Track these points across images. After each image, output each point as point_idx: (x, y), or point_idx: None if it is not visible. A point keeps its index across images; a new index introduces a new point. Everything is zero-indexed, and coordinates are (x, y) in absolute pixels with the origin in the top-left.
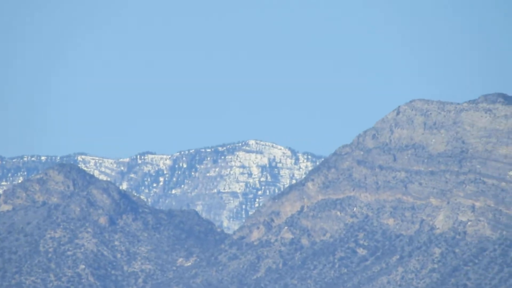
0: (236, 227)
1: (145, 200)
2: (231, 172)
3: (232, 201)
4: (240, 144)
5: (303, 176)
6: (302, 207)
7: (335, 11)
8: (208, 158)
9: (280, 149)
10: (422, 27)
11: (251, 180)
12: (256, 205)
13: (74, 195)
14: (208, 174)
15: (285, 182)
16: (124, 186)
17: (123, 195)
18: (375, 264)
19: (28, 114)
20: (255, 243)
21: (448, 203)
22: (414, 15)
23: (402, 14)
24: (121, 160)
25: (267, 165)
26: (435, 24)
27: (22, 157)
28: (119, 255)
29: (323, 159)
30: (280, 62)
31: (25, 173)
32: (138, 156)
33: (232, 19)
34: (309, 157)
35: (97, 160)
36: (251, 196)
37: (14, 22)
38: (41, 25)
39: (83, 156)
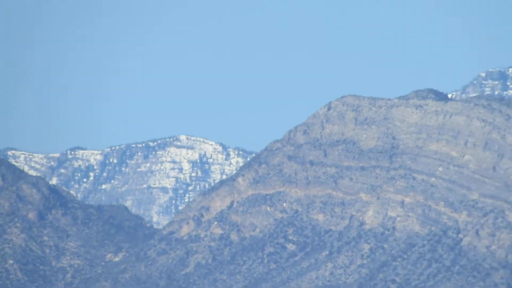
0: (166, 222)
1: (75, 195)
2: (162, 167)
3: (162, 196)
4: (171, 140)
5: (234, 172)
6: (232, 203)
7: (262, 9)
8: (139, 154)
9: (211, 144)
10: (351, 22)
11: (181, 176)
12: (187, 200)
13: (3, 190)
14: (138, 169)
15: (215, 177)
16: (54, 181)
17: (53, 190)
18: (304, 259)
19: None
20: (185, 238)
21: (378, 198)
22: (342, 10)
23: (331, 8)
24: (51, 155)
25: (198, 161)
26: (365, 20)
27: None
28: (47, 250)
29: (254, 155)
30: (209, 58)
31: None
32: (69, 152)
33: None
34: (240, 152)
35: (27, 155)
36: (181, 191)
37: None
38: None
39: (13, 151)
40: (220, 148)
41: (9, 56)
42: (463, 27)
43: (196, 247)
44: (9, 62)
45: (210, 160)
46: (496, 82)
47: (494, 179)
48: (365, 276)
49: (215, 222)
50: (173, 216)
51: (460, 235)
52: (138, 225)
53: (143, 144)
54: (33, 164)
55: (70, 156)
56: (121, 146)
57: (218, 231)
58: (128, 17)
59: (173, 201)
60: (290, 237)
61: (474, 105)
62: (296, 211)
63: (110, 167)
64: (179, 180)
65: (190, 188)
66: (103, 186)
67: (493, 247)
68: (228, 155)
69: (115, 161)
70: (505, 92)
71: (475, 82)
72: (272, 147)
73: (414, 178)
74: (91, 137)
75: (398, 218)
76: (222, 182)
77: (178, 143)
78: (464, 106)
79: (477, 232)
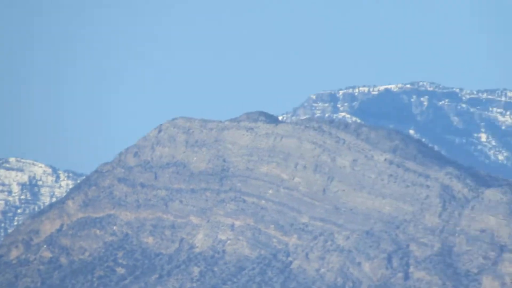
0: None
1: None
2: None
3: None
4: (0, 162)
5: (64, 194)
6: (62, 226)
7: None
8: None
9: (41, 167)
10: (176, 46)
11: (10, 198)
12: (16, 223)
13: None
14: None
15: (45, 200)
16: None
17: None
18: (134, 283)
19: None
20: (14, 262)
21: (208, 221)
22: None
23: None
24: None
25: (28, 183)
26: (195, 45)
27: None
28: None
29: (84, 177)
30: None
31: None
32: None
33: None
34: (70, 175)
35: None
36: (10, 214)
37: None
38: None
39: None
40: (50, 171)
41: None
42: (291, 50)
43: (25, 271)
44: None
45: (40, 183)
46: (327, 105)
47: (324, 201)
48: None
49: (44, 246)
50: (1, 239)
51: (290, 258)
52: None
53: None
54: None
55: None
56: None
57: (47, 254)
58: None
59: (2, 224)
60: (120, 261)
61: (304, 128)
62: (126, 234)
63: None
64: (8, 203)
65: (19, 211)
66: None
67: (323, 270)
68: (58, 177)
69: None
70: (335, 115)
71: (305, 104)
72: (102, 169)
73: (244, 201)
74: None
75: (228, 241)
76: (51, 205)
77: (7, 165)
78: (295, 128)
79: (306, 255)
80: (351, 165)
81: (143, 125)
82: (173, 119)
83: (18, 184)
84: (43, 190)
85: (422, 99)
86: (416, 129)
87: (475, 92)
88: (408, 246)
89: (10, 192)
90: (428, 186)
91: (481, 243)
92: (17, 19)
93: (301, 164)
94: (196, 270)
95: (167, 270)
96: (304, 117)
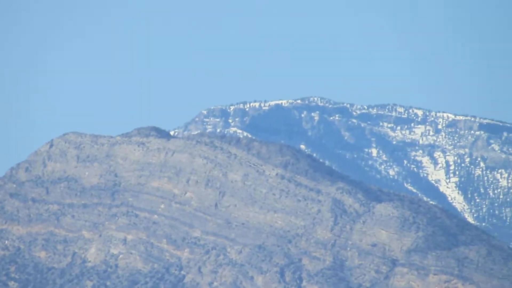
0: None
1: None
2: None
3: None
4: None
5: None
6: None
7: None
8: None
9: None
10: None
11: None
12: None
13: None
14: None
15: None
16: None
17: None
18: None
19: None
20: None
21: (100, 236)
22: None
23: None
24: None
25: None
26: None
27: None
28: None
29: None
30: None
31: None
32: None
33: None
34: None
35: None
36: None
37: None
38: None
39: None
40: None
41: None
42: (183, 65)
43: None
44: None
45: None
46: (218, 120)
47: (216, 216)
48: None
49: None
50: None
51: (183, 272)
52: None
53: None
54: None
55: None
56: None
57: None
58: None
59: None
60: (12, 275)
61: (196, 143)
62: (19, 248)
63: None
64: None
65: None
66: None
67: (215, 283)
68: None
69: None
70: (226, 130)
71: (197, 119)
72: None
73: (136, 216)
74: None
75: (121, 256)
76: None
77: None
78: (186, 143)
79: (199, 269)
80: (242, 179)
81: (34, 140)
82: (64, 134)
83: None
84: None
85: (313, 114)
86: (307, 144)
87: (365, 107)
88: (300, 260)
89: None
90: (319, 201)
91: (373, 257)
92: None
93: (193, 179)
94: (89, 284)
95: (60, 284)
96: (196, 132)
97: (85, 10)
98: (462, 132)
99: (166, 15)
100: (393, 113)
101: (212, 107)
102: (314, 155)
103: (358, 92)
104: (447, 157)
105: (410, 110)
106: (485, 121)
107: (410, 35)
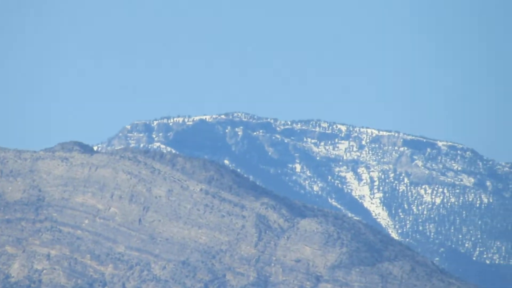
0: None
1: None
2: None
3: None
4: None
5: None
6: None
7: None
8: None
9: None
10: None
11: None
12: None
13: None
14: None
15: None
16: None
17: None
18: None
19: None
20: None
21: (24, 251)
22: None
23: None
24: None
25: None
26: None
27: None
28: None
29: None
30: None
31: None
32: None
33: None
34: None
35: None
36: None
37: None
38: None
39: None
40: None
41: None
42: (107, 81)
43: None
44: None
45: None
46: (142, 135)
47: (140, 231)
48: None
49: None
50: None
51: None
52: None
53: None
54: None
55: None
56: None
57: None
58: None
59: None
60: None
61: (120, 158)
62: None
63: None
64: None
65: None
66: None
67: None
68: None
69: None
70: (150, 145)
71: (120, 134)
72: None
73: (60, 231)
74: None
75: (44, 271)
76: None
77: None
78: (110, 158)
79: (123, 285)
80: (166, 195)
81: None
82: None
83: None
84: None
85: (237, 129)
86: (231, 159)
87: (289, 123)
88: (224, 275)
89: None
90: (243, 216)
91: (296, 273)
92: None
93: (117, 194)
94: None
95: None
96: (119, 147)
97: None
98: (386, 148)
99: (92, 28)
100: (317, 129)
101: (135, 122)
102: (238, 170)
103: (282, 107)
104: (371, 173)
105: (334, 126)
106: (408, 137)
107: (333, 51)
